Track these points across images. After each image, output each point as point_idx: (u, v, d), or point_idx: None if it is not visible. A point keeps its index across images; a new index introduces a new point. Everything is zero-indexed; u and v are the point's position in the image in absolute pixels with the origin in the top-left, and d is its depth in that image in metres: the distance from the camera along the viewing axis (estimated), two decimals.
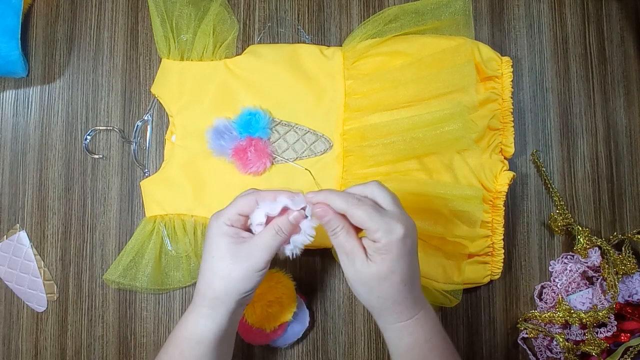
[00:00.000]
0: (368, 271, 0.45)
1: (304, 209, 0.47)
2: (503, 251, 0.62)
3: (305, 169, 0.60)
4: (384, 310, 0.47)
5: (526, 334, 0.64)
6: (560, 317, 0.62)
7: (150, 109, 0.66)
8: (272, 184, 0.63)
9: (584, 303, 0.62)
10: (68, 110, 0.66)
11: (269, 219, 0.47)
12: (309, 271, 0.65)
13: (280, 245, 0.47)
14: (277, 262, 0.65)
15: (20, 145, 0.66)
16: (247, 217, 0.47)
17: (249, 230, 0.48)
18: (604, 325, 0.62)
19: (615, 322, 0.61)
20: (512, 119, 0.65)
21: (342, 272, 0.46)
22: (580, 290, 0.63)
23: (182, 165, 0.64)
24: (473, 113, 0.62)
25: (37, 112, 0.66)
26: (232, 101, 0.64)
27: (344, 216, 0.46)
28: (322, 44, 0.67)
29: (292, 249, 0.48)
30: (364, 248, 0.45)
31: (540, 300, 0.65)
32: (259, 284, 0.48)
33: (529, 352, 0.64)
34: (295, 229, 0.47)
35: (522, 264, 0.66)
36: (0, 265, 0.64)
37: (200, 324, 0.47)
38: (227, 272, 0.46)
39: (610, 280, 0.62)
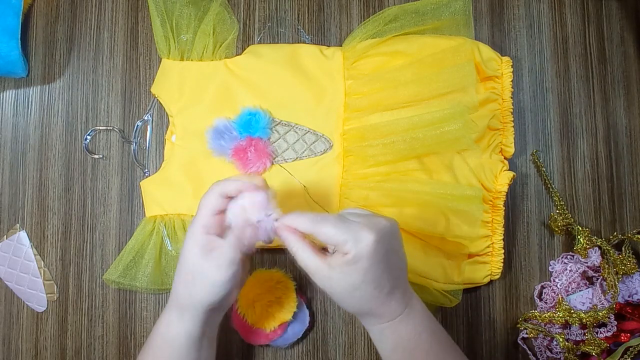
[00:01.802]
0: (337, 284, 0.44)
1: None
2: (503, 251, 0.62)
3: (303, 185, 0.60)
4: (363, 315, 0.47)
5: (526, 334, 0.64)
6: (560, 317, 0.62)
7: (150, 109, 0.66)
8: (272, 184, 0.62)
9: (584, 303, 0.62)
10: (68, 110, 0.66)
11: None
12: None
13: (240, 257, 0.46)
14: (277, 262, 0.65)
15: (20, 145, 0.66)
16: (222, 213, 0.47)
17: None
18: (604, 325, 0.62)
19: (615, 322, 0.61)
20: (512, 119, 0.65)
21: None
22: (580, 290, 0.63)
23: (182, 165, 0.64)
24: (473, 113, 0.62)
25: (37, 112, 0.66)
26: (232, 101, 0.64)
27: (312, 241, 0.45)
28: (322, 44, 0.67)
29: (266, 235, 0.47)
30: (328, 263, 0.44)
31: (540, 300, 0.65)
32: (231, 293, 0.47)
33: (529, 352, 0.64)
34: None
35: (522, 264, 0.66)
36: (0, 265, 0.64)
37: (172, 326, 0.48)
38: (192, 283, 0.45)
39: (610, 280, 0.62)
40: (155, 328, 0.49)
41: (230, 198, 0.47)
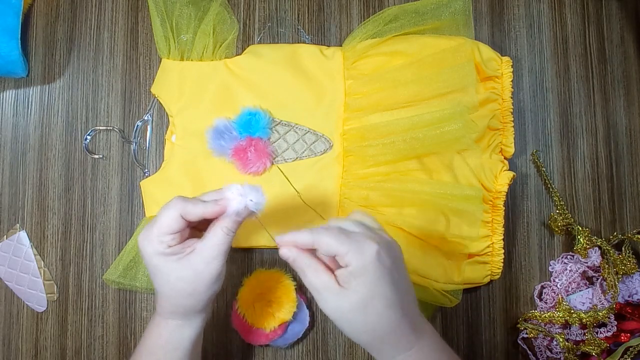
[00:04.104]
0: (346, 302, 0.41)
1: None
2: (503, 251, 0.62)
3: (297, 192, 0.59)
4: (378, 345, 0.43)
5: (526, 334, 0.64)
6: (560, 317, 0.62)
7: (150, 109, 0.66)
8: (272, 184, 0.63)
9: (584, 303, 0.62)
10: (68, 110, 0.66)
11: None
12: None
13: (229, 247, 0.45)
14: (277, 262, 0.65)
15: (20, 145, 0.66)
16: (181, 229, 0.45)
17: (189, 233, 0.46)
18: (604, 325, 0.62)
19: (615, 322, 0.61)
20: (512, 119, 0.65)
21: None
22: (580, 290, 0.63)
23: (182, 165, 0.64)
24: (473, 113, 0.62)
25: (37, 112, 0.66)
26: (232, 101, 0.64)
27: (316, 256, 0.43)
28: (322, 44, 0.67)
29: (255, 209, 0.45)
30: (337, 279, 0.42)
31: (540, 300, 0.65)
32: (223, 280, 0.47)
33: (529, 352, 0.64)
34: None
35: (522, 264, 0.66)
36: (0, 265, 0.64)
37: (177, 333, 0.47)
38: (190, 290, 0.45)
39: (610, 280, 0.62)
40: (151, 339, 0.48)
41: (188, 221, 0.44)
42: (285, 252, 0.43)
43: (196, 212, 0.44)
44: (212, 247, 0.44)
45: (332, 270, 0.43)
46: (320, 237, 0.41)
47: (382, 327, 0.42)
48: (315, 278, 0.42)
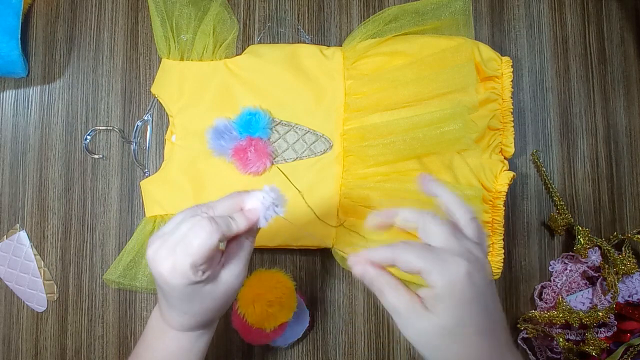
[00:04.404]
0: (431, 327, 0.36)
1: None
2: (503, 251, 0.62)
3: (298, 190, 0.59)
4: None
5: (526, 334, 0.64)
6: (560, 317, 0.61)
7: (150, 109, 0.66)
8: (272, 184, 0.63)
9: (584, 303, 0.62)
10: (68, 110, 0.66)
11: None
12: (309, 271, 0.65)
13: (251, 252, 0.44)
14: (277, 262, 0.65)
15: (20, 145, 0.66)
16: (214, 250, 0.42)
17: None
18: (604, 325, 0.62)
19: (615, 322, 0.61)
20: (512, 119, 0.65)
21: (396, 326, 0.38)
22: (580, 290, 0.63)
23: (182, 165, 0.64)
24: (473, 113, 0.62)
25: (37, 112, 0.66)
26: (232, 101, 0.64)
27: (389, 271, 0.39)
28: (322, 44, 0.67)
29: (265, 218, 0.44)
30: (421, 300, 0.37)
31: (540, 300, 0.65)
32: None
33: (529, 352, 0.64)
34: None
35: (522, 264, 0.66)
36: (0, 265, 0.64)
37: (199, 341, 0.46)
38: (222, 304, 0.43)
39: (610, 280, 0.62)
40: (166, 350, 0.46)
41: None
42: (359, 270, 0.39)
43: (232, 234, 0.41)
44: (241, 260, 0.43)
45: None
46: (401, 253, 0.37)
47: (470, 355, 0.37)
48: (395, 299, 0.37)
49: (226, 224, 0.41)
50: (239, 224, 0.41)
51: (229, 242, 0.44)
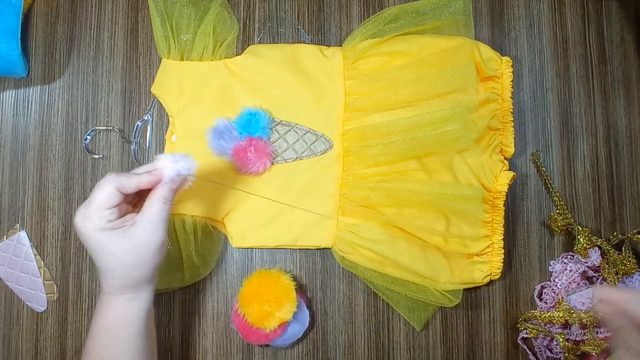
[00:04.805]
0: None
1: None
2: (503, 251, 0.62)
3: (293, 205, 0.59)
4: None
5: (526, 334, 0.64)
6: (560, 317, 0.61)
7: (150, 109, 0.66)
8: (273, 184, 0.63)
9: (584, 303, 0.62)
10: (68, 110, 0.66)
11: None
12: (309, 271, 0.65)
13: (168, 215, 0.47)
14: (277, 262, 0.65)
15: (20, 145, 0.66)
16: (119, 203, 0.46)
17: (126, 209, 0.48)
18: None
19: None
20: (512, 119, 0.65)
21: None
22: (580, 290, 0.63)
23: None
24: (473, 113, 0.62)
25: (37, 112, 0.66)
26: (232, 101, 0.64)
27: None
28: (322, 44, 0.67)
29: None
30: None
31: (540, 300, 0.65)
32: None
33: (528, 352, 0.64)
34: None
35: (522, 264, 0.66)
36: (0, 265, 0.64)
37: (129, 306, 0.48)
38: (135, 261, 0.46)
39: (610, 280, 0.62)
40: (102, 319, 0.48)
41: (125, 194, 0.46)
42: (606, 311, 0.40)
43: (131, 184, 0.46)
44: (152, 217, 0.46)
45: None
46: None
47: None
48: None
49: (126, 175, 0.46)
50: (141, 178, 0.46)
51: (145, 202, 0.47)
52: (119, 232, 0.45)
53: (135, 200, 0.50)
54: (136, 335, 0.48)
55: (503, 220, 0.63)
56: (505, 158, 0.65)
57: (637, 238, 0.65)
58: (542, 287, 0.66)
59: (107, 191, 0.45)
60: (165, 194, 0.46)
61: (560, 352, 0.62)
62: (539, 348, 0.64)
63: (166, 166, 0.47)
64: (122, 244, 0.45)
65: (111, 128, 0.66)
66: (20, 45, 0.62)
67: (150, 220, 0.46)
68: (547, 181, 0.67)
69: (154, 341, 0.53)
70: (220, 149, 0.62)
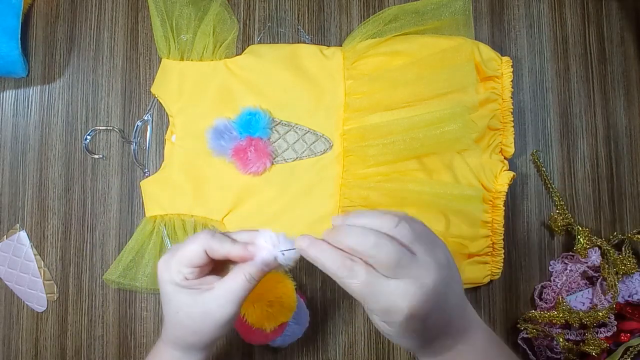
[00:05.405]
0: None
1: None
2: (503, 251, 0.62)
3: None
4: (419, 349, 0.43)
5: (526, 334, 0.64)
6: (560, 317, 0.61)
7: (150, 109, 0.66)
8: (272, 184, 0.63)
9: (584, 303, 0.62)
10: (68, 110, 0.66)
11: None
12: (309, 271, 0.65)
13: (248, 294, 0.42)
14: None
15: (20, 145, 0.66)
16: (202, 264, 0.42)
17: (211, 269, 0.44)
18: (604, 325, 0.62)
19: (615, 322, 0.61)
20: (512, 119, 0.65)
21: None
22: (580, 290, 0.63)
23: (182, 165, 0.64)
24: (473, 113, 0.62)
25: (37, 112, 0.66)
26: (232, 101, 0.64)
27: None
28: (322, 44, 0.67)
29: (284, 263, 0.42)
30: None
31: (540, 300, 0.65)
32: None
33: (529, 352, 0.64)
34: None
35: (522, 264, 0.66)
36: (0, 265, 0.64)
37: None
38: (195, 328, 0.42)
39: (610, 280, 0.62)
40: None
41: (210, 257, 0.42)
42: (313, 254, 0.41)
43: (220, 252, 0.41)
44: (229, 291, 0.41)
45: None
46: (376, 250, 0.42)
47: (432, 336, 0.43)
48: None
49: (219, 239, 0.41)
50: (232, 248, 0.41)
51: (230, 273, 0.42)
52: (191, 293, 0.41)
53: (224, 264, 0.45)
54: None
55: (503, 220, 0.63)
56: (505, 158, 0.65)
57: (637, 238, 0.65)
58: (542, 287, 0.66)
59: (194, 249, 0.41)
60: (252, 273, 0.41)
61: (560, 352, 0.62)
62: (539, 348, 0.64)
63: (264, 247, 0.41)
64: (188, 307, 0.42)
65: (111, 128, 0.66)
66: (20, 45, 0.62)
67: (226, 293, 0.41)
68: (547, 181, 0.67)
69: None
70: (220, 149, 0.62)
